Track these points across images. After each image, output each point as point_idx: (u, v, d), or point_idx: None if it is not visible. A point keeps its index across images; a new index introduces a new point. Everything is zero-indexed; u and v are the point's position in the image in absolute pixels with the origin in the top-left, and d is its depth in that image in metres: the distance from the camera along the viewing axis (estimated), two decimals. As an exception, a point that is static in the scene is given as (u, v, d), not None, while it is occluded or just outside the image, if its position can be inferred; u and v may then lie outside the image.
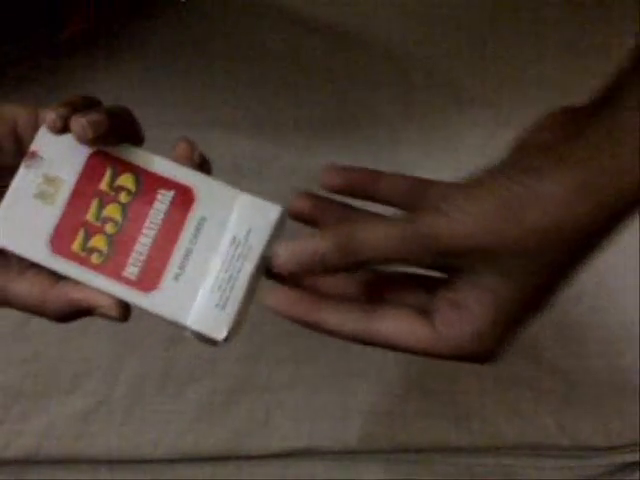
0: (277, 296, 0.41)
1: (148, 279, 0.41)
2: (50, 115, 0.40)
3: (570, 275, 0.39)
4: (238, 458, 0.69)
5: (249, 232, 0.41)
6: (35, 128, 0.42)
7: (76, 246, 0.41)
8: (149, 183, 0.41)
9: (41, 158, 0.42)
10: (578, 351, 0.70)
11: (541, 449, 0.70)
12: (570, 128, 0.38)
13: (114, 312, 0.41)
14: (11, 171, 0.42)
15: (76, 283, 0.41)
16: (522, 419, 0.69)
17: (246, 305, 0.41)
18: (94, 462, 0.68)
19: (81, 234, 0.41)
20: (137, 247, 0.41)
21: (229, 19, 0.72)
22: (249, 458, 0.69)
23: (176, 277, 0.41)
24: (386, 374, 0.69)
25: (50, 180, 0.42)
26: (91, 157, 0.42)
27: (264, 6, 0.72)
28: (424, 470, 0.70)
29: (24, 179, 0.42)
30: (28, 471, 0.68)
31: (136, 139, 0.42)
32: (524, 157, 0.38)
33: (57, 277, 0.41)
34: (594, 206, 0.36)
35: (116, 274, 0.41)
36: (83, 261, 0.41)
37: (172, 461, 0.68)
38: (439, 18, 0.74)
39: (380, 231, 0.38)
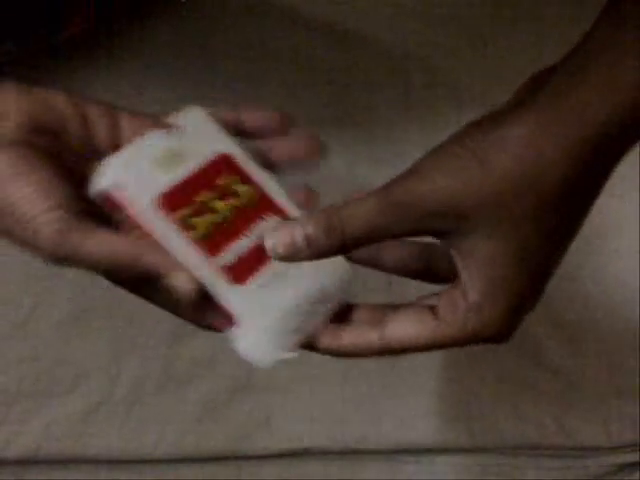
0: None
1: (239, 272, 0.41)
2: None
3: (561, 232, 0.38)
4: (238, 458, 0.69)
5: (326, 287, 0.42)
6: (110, 126, 0.42)
7: (179, 215, 0.41)
8: (264, 204, 0.43)
9: (178, 130, 0.42)
10: (578, 351, 0.70)
11: (541, 449, 0.70)
12: (538, 82, 0.38)
13: (188, 286, 0.38)
14: (74, 155, 0.41)
15: (155, 248, 0.40)
16: (522, 419, 0.69)
17: None
18: (94, 462, 0.68)
19: (186, 209, 0.41)
20: (237, 243, 0.41)
21: (229, 19, 0.72)
22: (249, 458, 0.69)
23: (261, 285, 0.41)
24: (386, 374, 0.69)
25: (175, 154, 0.42)
26: (223, 155, 0.43)
27: (264, 6, 0.72)
28: (424, 470, 0.70)
29: (151, 140, 0.42)
30: (28, 471, 0.68)
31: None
32: (496, 112, 0.38)
33: (131, 240, 0.40)
34: (562, 147, 0.35)
35: (209, 253, 0.40)
36: (181, 228, 0.40)
37: (172, 461, 0.68)
38: (439, 18, 0.74)
39: (360, 205, 0.38)
